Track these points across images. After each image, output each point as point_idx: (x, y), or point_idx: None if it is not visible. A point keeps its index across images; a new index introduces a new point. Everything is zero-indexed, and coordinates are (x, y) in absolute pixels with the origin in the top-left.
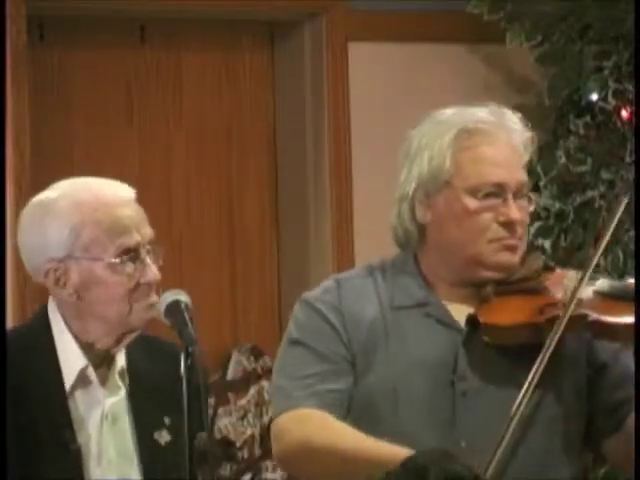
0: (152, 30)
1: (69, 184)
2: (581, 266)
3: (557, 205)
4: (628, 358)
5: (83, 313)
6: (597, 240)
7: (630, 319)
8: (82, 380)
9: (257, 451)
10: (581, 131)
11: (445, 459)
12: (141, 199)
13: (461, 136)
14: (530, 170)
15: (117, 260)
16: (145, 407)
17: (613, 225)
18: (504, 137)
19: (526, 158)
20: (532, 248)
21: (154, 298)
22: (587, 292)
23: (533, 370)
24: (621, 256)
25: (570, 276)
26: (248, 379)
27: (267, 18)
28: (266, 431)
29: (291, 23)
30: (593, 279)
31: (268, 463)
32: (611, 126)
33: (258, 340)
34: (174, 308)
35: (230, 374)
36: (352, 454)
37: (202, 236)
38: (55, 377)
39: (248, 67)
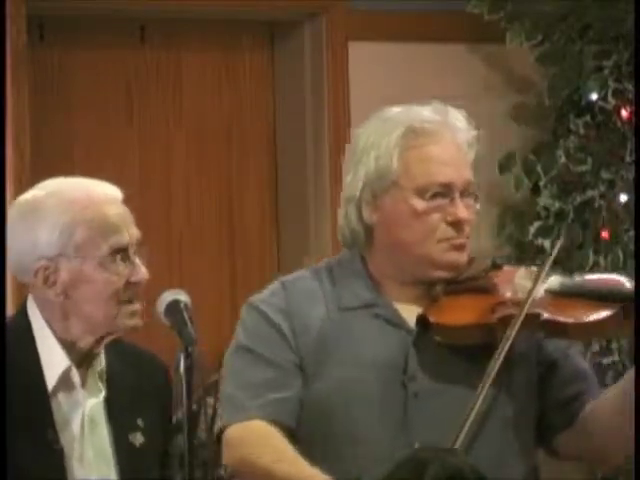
0: (152, 30)
1: (55, 183)
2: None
3: (557, 205)
4: (577, 354)
5: (68, 313)
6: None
7: (581, 316)
8: (65, 381)
9: None
10: (581, 131)
11: (446, 454)
12: (141, 199)
13: (407, 135)
14: (530, 170)
15: (109, 258)
16: (121, 409)
17: (550, 261)
18: (450, 136)
19: (471, 156)
20: (532, 248)
21: (138, 306)
22: (539, 290)
23: (488, 370)
24: (621, 256)
25: (521, 274)
26: None
27: (267, 18)
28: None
29: (291, 23)
30: (545, 277)
31: None
32: (611, 126)
33: None
34: (174, 308)
35: None
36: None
37: (202, 236)
38: (37, 377)
39: (248, 67)
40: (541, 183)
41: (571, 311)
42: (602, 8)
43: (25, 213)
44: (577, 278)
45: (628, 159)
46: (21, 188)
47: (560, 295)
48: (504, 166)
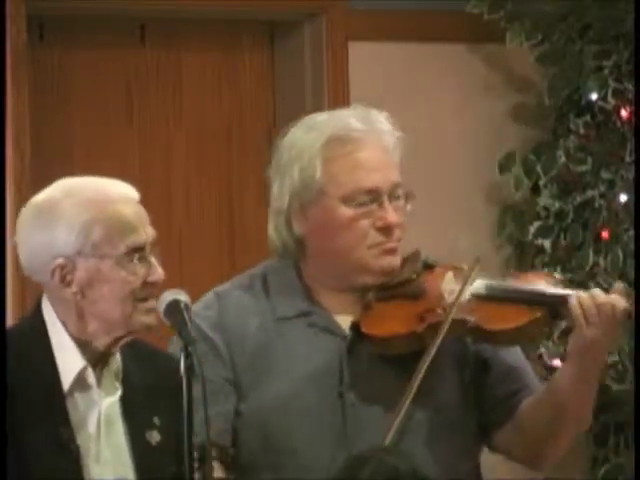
0: (152, 30)
1: (71, 183)
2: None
3: (557, 205)
4: (508, 352)
5: (84, 312)
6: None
7: (506, 322)
8: (80, 381)
9: None
10: (581, 131)
11: (383, 453)
12: (141, 199)
13: (330, 144)
14: (530, 170)
15: (127, 258)
16: (137, 408)
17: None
18: (374, 141)
19: (397, 158)
20: (532, 248)
21: (153, 303)
22: (465, 295)
23: (412, 379)
24: (621, 256)
25: (449, 277)
26: None
27: (267, 18)
28: None
29: (291, 23)
30: (472, 280)
31: None
32: (611, 126)
33: None
34: (174, 308)
35: None
36: None
37: (202, 236)
38: (53, 377)
39: (248, 67)
40: (541, 183)
41: (497, 316)
42: (602, 8)
43: (41, 213)
44: (502, 281)
45: (628, 159)
46: (21, 188)
47: (486, 299)
48: (504, 166)
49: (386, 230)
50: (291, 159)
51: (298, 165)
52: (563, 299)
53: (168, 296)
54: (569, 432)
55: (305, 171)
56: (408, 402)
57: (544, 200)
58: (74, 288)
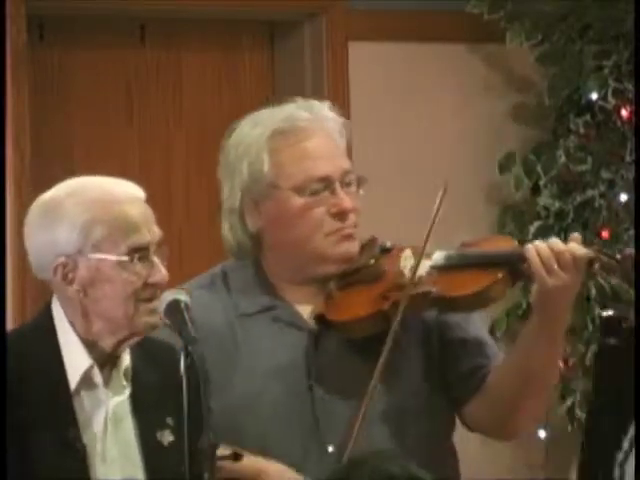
0: (152, 30)
1: (78, 182)
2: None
3: (557, 204)
4: (473, 327)
5: (88, 311)
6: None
7: (469, 287)
8: (87, 380)
9: None
10: (581, 130)
11: (379, 458)
12: None
13: (276, 136)
14: (530, 169)
15: (127, 258)
16: (148, 407)
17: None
18: (319, 129)
19: (344, 144)
20: None
21: (157, 303)
22: (425, 268)
23: (381, 359)
24: None
25: (407, 254)
26: None
27: (267, 18)
28: None
29: (291, 23)
30: (429, 254)
31: None
32: (611, 125)
33: None
34: (174, 307)
35: None
36: None
37: (202, 236)
38: (60, 376)
39: (248, 67)
40: (541, 183)
41: (458, 283)
42: (602, 8)
43: (46, 211)
44: (460, 249)
45: (628, 159)
46: (21, 188)
47: (446, 269)
48: (504, 166)
49: (341, 215)
50: (239, 156)
51: (246, 161)
52: (521, 255)
53: (168, 296)
54: (537, 396)
55: (253, 165)
56: (376, 384)
57: (544, 200)
58: (76, 286)
